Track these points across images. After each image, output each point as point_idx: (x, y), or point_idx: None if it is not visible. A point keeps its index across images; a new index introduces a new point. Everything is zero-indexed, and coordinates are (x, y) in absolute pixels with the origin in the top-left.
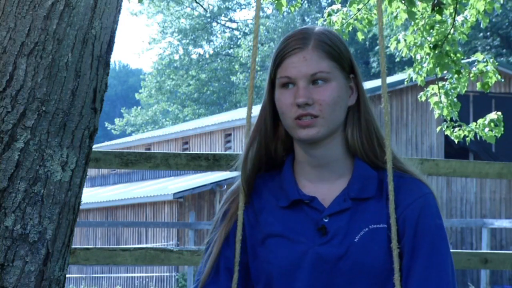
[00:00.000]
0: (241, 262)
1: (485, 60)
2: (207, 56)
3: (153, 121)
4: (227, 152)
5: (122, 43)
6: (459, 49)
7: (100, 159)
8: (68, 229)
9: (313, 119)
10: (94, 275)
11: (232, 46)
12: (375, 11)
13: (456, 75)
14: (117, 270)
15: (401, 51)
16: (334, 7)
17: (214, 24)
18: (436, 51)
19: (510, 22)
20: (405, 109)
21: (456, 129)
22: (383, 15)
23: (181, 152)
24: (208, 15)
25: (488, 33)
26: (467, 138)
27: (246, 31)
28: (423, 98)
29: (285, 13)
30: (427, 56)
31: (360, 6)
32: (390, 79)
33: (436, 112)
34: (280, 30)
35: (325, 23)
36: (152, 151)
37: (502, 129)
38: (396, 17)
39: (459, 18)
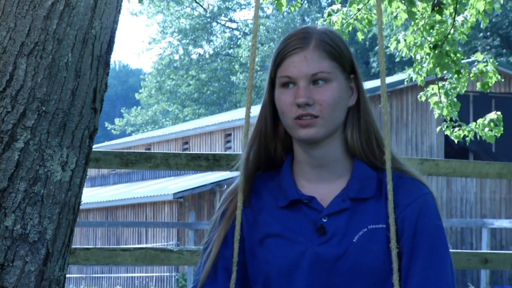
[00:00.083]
0: (239, 262)
1: (485, 60)
2: (207, 56)
3: (153, 121)
4: (227, 152)
5: (122, 43)
6: (459, 49)
7: (100, 159)
8: (68, 229)
9: (313, 119)
10: (94, 275)
11: (232, 46)
12: (375, 11)
13: (456, 75)
14: (117, 270)
15: (401, 51)
16: (334, 7)
17: (214, 24)
18: (436, 51)
19: (510, 22)
20: (405, 109)
21: (456, 129)
22: (383, 15)
23: (181, 152)
24: (208, 15)
25: (488, 33)
26: (467, 138)
27: (246, 31)
28: (423, 98)
29: (285, 13)
30: (427, 56)
31: (360, 6)
32: (390, 79)
33: (436, 112)
34: (280, 30)
35: (325, 23)
36: (152, 151)
37: (502, 129)
38: (396, 17)
39: (459, 18)
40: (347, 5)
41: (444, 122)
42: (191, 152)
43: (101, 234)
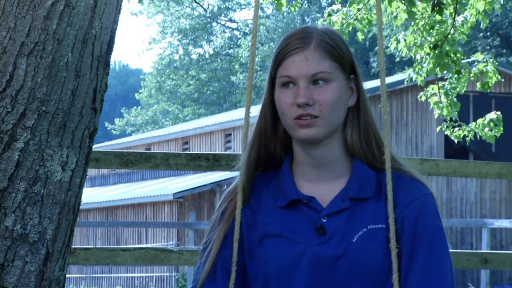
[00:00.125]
0: (238, 262)
1: (485, 60)
2: (207, 56)
3: (153, 121)
4: (227, 152)
5: (122, 43)
6: (459, 49)
7: (100, 159)
8: (68, 229)
9: (312, 119)
10: (94, 275)
11: (232, 46)
12: (375, 11)
13: (456, 75)
14: (117, 270)
15: (401, 51)
16: (334, 7)
17: (214, 24)
18: (436, 51)
19: (510, 22)
20: (405, 109)
21: (456, 129)
22: (383, 15)
23: (181, 152)
24: (208, 15)
25: (488, 33)
26: (467, 138)
27: (246, 31)
28: (423, 98)
29: (285, 13)
30: (427, 56)
31: (360, 6)
32: (390, 79)
33: (436, 112)
34: (280, 30)
35: (325, 23)
36: (152, 151)
37: (502, 128)
38: (396, 17)
39: (459, 18)
40: (347, 5)
41: (444, 122)
42: (191, 152)
43: (101, 234)
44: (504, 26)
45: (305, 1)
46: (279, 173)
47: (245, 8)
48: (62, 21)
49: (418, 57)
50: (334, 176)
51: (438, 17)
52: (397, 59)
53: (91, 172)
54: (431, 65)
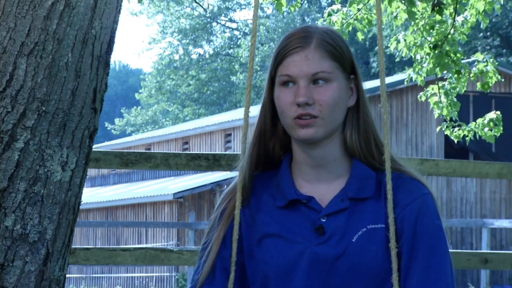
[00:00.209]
0: (237, 262)
1: (485, 60)
2: (207, 56)
3: (153, 121)
4: (227, 152)
5: (122, 43)
6: (459, 49)
7: (100, 159)
8: (68, 229)
9: (312, 119)
10: (94, 275)
11: (232, 46)
12: (375, 11)
13: (456, 75)
14: (117, 270)
15: (401, 51)
16: (334, 7)
17: (214, 24)
18: (436, 51)
19: (510, 22)
20: (405, 109)
21: (456, 129)
22: (383, 15)
23: (181, 152)
24: (208, 15)
25: (488, 33)
26: (467, 138)
27: (246, 31)
28: (423, 98)
29: (285, 13)
30: (427, 56)
31: (360, 6)
32: (390, 79)
33: (436, 112)
34: (280, 30)
35: (325, 23)
36: (152, 151)
37: (502, 128)
38: (396, 17)
39: (459, 18)
40: (347, 5)
41: (444, 122)
42: (191, 152)
43: (101, 234)
44: (504, 26)
45: (305, 1)
46: (278, 173)
47: (245, 8)
48: (62, 21)
49: (418, 57)
50: (333, 176)
51: (438, 17)
52: (397, 59)
53: (91, 172)
54: (431, 65)
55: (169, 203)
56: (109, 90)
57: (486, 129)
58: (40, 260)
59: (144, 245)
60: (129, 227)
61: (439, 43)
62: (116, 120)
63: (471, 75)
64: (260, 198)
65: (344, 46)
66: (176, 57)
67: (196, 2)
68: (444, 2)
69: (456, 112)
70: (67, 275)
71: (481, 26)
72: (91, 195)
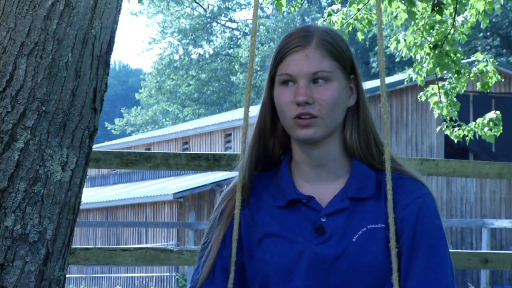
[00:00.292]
0: (237, 262)
1: (485, 60)
2: (207, 56)
3: (153, 121)
4: (227, 152)
5: (122, 43)
6: (459, 49)
7: (100, 159)
8: (68, 229)
9: (312, 119)
10: (94, 275)
11: (232, 46)
12: (375, 11)
13: (456, 75)
14: (117, 270)
15: (401, 51)
16: (334, 7)
17: (214, 24)
18: (436, 51)
19: (510, 22)
20: (405, 109)
21: (456, 129)
22: (383, 15)
23: (181, 152)
24: (208, 15)
25: (488, 33)
26: (467, 138)
27: (246, 31)
28: (423, 98)
29: (285, 13)
30: (427, 56)
31: (360, 6)
32: (390, 79)
33: (436, 112)
34: (280, 30)
35: (325, 23)
36: (152, 151)
37: (501, 128)
38: (396, 17)
39: (459, 18)
40: (347, 5)
41: (444, 122)
42: (191, 152)
43: (101, 234)
44: (504, 26)
45: (305, 1)
46: (277, 173)
47: (245, 8)
48: (62, 21)
49: (418, 57)
50: (333, 176)
51: (438, 17)
52: (397, 59)
53: (91, 172)
54: (431, 65)
55: (169, 203)
56: (109, 90)
57: (486, 129)
58: (40, 260)
59: (144, 245)
60: (129, 227)
61: (439, 43)
62: (116, 120)
63: (471, 75)
64: (260, 198)
65: (344, 45)
66: (176, 57)
67: (196, 2)
68: (444, 2)
69: (456, 112)
70: (67, 275)
71: (481, 26)
72: (91, 195)
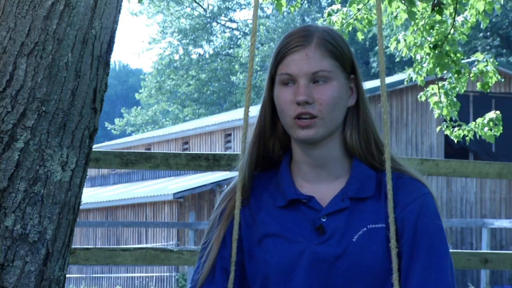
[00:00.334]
0: (237, 262)
1: (485, 60)
2: (207, 56)
3: (153, 121)
4: (227, 152)
5: (122, 43)
6: (459, 49)
7: (100, 159)
8: (68, 229)
9: (312, 120)
10: (94, 275)
11: (232, 46)
12: (375, 11)
13: (456, 75)
14: (117, 270)
15: (401, 51)
16: (334, 7)
17: (214, 24)
18: (436, 51)
19: (510, 22)
20: (405, 109)
21: (456, 128)
22: (383, 15)
23: (181, 152)
24: (208, 15)
25: (488, 33)
26: (467, 138)
27: (246, 31)
28: (423, 98)
29: (285, 13)
30: (427, 56)
31: (360, 6)
32: (390, 79)
33: (436, 112)
34: (280, 30)
35: (325, 23)
36: (152, 151)
37: (501, 128)
38: (396, 17)
39: (459, 18)
40: (347, 5)
41: (444, 122)
42: (191, 152)
43: (101, 234)
44: (504, 26)
45: (305, 1)
46: (277, 173)
47: (245, 8)
48: (62, 21)
49: (418, 57)
50: (333, 176)
51: (438, 17)
52: (397, 59)
53: (91, 172)
54: (431, 65)
55: (169, 203)
56: (109, 90)
57: (486, 129)
58: (40, 260)
59: (144, 245)
60: (129, 227)
61: (439, 43)
62: (116, 120)
63: (471, 75)
64: (260, 198)
65: (344, 45)
66: (176, 57)
67: (196, 2)
68: (444, 2)
69: (456, 112)
70: (67, 275)
71: (481, 26)
72: (91, 195)
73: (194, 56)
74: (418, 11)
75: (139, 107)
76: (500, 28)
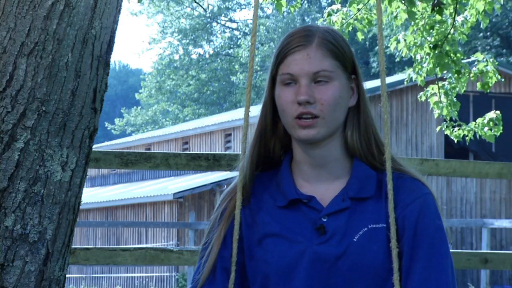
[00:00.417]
0: (238, 262)
1: (485, 60)
2: (207, 56)
3: (153, 121)
4: (227, 152)
5: (122, 43)
6: (459, 49)
7: (100, 159)
8: (68, 229)
9: (313, 120)
10: (94, 275)
11: (232, 46)
12: (375, 11)
13: (456, 75)
14: (117, 270)
15: (401, 51)
16: (334, 7)
17: (214, 24)
18: (436, 51)
19: (510, 22)
20: (405, 109)
21: (456, 128)
22: (383, 15)
23: (181, 152)
24: (208, 15)
25: (488, 33)
26: (467, 138)
27: (246, 31)
28: (423, 98)
29: (285, 13)
30: (427, 56)
31: (360, 6)
32: (390, 79)
33: (436, 112)
34: (280, 30)
35: (325, 23)
36: (152, 151)
37: (501, 128)
38: (396, 17)
39: (459, 18)
40: (347, 5)
41: (444, 122)
42: (191, 152)
43: (101, 234)
44: (504, 26)
45: (305, 1)
46: (278, 173)
47: (245, 8)
48: (62, 21)
49: (418, 57)
50: (334, 176)
51: (438, 17)
52: (397, 59)
53: (91, 172)
54: (431, 65)
55: (169, 203)
56: (109, 90)
57: (486, 129)
58: (40, 260)
59: (144, 245)
60: (129, 227)
61: (439, 43)
62: (116, 120)
63: (471, 75)
64: (261, 198)
65: (345, 45)
66: (176, 57)
67: (196, 2)
68: (444, 2)
69: (456, 112)
70: (67, 275)
71: (481, 26)
72: (91, 195)
73: (194, 56)
74: (418, 11)
75: (139, 107)
76: (500, 28)
